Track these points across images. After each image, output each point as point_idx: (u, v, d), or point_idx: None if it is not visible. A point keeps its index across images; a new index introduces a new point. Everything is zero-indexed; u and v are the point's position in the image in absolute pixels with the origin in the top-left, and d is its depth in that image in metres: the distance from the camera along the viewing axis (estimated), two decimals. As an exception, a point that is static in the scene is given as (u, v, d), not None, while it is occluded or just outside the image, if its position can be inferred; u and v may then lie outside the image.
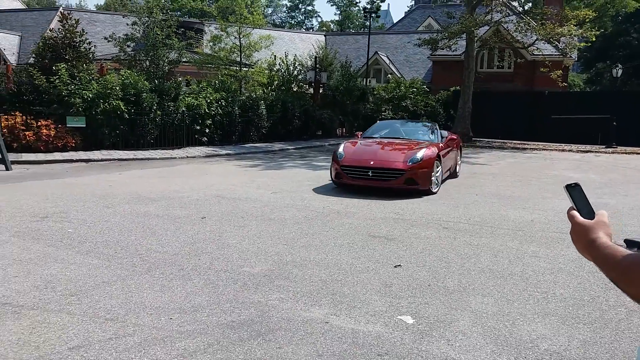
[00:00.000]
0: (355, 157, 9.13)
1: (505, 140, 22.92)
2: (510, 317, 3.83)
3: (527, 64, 25.49)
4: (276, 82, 22.04)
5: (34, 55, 16.98)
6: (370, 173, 8.78)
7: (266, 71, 22.54)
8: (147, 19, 18.22)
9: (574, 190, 1.26)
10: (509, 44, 23.48)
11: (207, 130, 16.92)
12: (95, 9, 50.93)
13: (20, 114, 14.04)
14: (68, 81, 14.39)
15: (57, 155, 13.20)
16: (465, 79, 22.38)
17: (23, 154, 13.13)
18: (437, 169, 9.20)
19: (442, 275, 4.72)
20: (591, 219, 1.22)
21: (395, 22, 48.51)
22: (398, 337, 3.44)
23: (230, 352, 3.17)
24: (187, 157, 14.58)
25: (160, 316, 3.65)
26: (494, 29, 23.14)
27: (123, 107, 14.62)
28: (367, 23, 29.86)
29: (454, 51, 24.08)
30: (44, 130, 13.85)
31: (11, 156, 11.72)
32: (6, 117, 13.77)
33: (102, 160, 13.19)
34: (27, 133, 13.66)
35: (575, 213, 1.24)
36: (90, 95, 14.32)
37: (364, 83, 25.97)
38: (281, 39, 32.30)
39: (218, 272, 4.64)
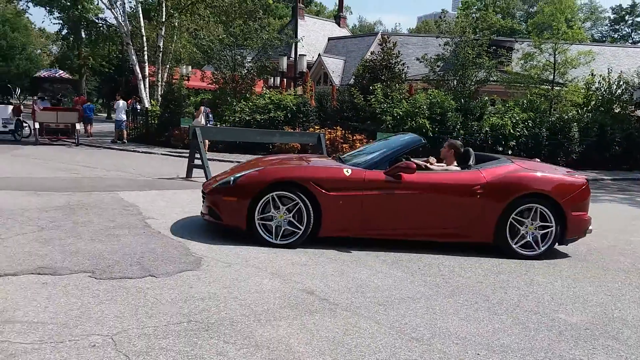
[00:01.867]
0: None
1: None
2: None
3: None
4: (593, 102, 19.56)
5: (354, 76, 19.17)
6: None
7: (582, 90, 20.24)
8: (459, 39, 18.49)
9: None
10: None
11: (509, 152, 16.11)
12: (407, 32, 54.92)
13: (340, 129, 15.98)
14: (381, 100, 15.68)
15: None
16: None
17: (339, 163, 14.84)
18: (281, 209, 5.54)
19: None
20: None
21: None
22: None
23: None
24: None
25: (467, 348, 3.41)
26: None
27: (428, 125, 15.13)
28: None
29: None
30: (358, 144, 15.41)
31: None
32: (329, 130, 15.85)
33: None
34: (344, 145, 15.43)
35: None
36: (400, 113, 15.28)
37: None
38: (602, 54, 28.72)
39: (527, 313, 4.14)
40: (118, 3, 18.82)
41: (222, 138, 13.42)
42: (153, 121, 18.36)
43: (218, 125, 15.17)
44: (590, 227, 6.02)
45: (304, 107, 16.44)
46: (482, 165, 6.11)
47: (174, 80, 21.65)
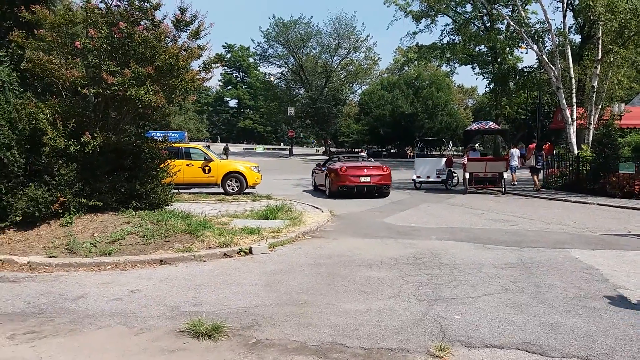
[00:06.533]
0: None
1: None
2: None
3: None
4: None
5: None
6: None
7: None
8: None
9: None
10: None
11: None
12: None
13: None
14: None
15: None
16: None
17: None
18: None
19: None
20: None
21: None
22: None
23: None
24: None
25: None
26: None
27: None
28: None
29: None
30: None
31: None
32: None
33: None
34: None
35: None
36: None
37: None
38: None
39: None
40: (546, 49, 18.30)
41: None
42: (584, 167, 16.74)
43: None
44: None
45: None
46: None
47: (602, 121, 19.41)
